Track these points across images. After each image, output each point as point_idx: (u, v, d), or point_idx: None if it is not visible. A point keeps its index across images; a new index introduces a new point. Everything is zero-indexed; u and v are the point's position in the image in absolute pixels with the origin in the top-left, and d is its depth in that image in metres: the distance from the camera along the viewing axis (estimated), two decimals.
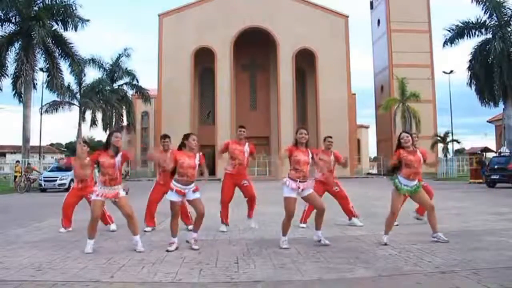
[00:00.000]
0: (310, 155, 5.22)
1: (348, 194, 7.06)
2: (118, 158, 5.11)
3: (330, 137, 6.95)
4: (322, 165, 6.03)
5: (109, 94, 32.36)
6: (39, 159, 28.72)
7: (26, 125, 23.04)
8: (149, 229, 6.56)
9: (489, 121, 39.50)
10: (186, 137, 5.14)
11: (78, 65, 25.05)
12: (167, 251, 4.92)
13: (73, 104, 30.35)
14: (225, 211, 6.58)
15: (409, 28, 40.43)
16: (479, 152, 26.42)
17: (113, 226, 6.61)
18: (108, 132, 33.48)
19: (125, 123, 35.16)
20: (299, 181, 5.11)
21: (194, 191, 5.07)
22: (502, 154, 21.34)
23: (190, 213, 6.37)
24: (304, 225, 6.72)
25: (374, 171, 48.07)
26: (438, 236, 5.29)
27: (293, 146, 5.28)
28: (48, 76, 23.87)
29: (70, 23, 23.49)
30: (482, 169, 21.23)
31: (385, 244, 5.10)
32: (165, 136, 6.65)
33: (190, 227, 6.40)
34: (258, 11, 36.75)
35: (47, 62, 23.50)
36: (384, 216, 7.21)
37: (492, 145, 37.30)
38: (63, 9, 23.29)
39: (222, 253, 4.83)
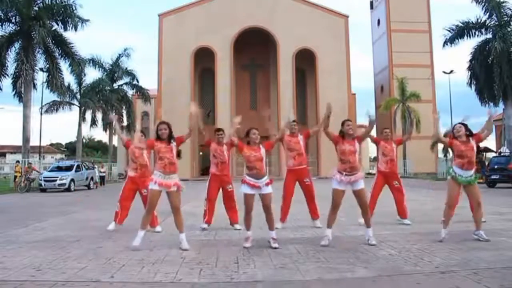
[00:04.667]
0: (357, 144, 5.19)
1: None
2: (173, 143, 5.14)
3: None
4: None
5: (109, 94, 32.38)
6: (39, 159, 28.71)
7: (26, 125, 22.99)
8: (205, 225, 6.41)
9: None
10: (247, 133, 5.27)
11: (78, 65, 24.99)
12: (244, 247, 5.00)
13: (73, 104, 30.42)
14: (286, 206, 6.43)
15: (409, 28, 40.41)
16: (479, 152, 26.37)
17: (158, 228, 6.37)
18: (108, 132, 33.75)
19: (125, 123, 35.16)
20: (345, 174, 5.13)
21: (267, 184, 5.13)
22: (502, 154, 21.35)
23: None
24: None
25: (374, 171, 48.03)
26: (480, 234, 5.29)
27: (339, 137, 5.24)
28: (48, 76, 23.80)
29: (70, 23, 23.39)
30: (482, 169, 21.22)
31: (440, 241, 5.11)
32: (219, 130, 6.50)
33: (237, 226, 6.36)
34: (258, 11, 36.73)
35: (47, 62, 23.44)
36: (383, 215, 7.22)
37: (492, 145, 37.28)
38: (63, 9, 23.22)
39: (222, 253, 4.83)
